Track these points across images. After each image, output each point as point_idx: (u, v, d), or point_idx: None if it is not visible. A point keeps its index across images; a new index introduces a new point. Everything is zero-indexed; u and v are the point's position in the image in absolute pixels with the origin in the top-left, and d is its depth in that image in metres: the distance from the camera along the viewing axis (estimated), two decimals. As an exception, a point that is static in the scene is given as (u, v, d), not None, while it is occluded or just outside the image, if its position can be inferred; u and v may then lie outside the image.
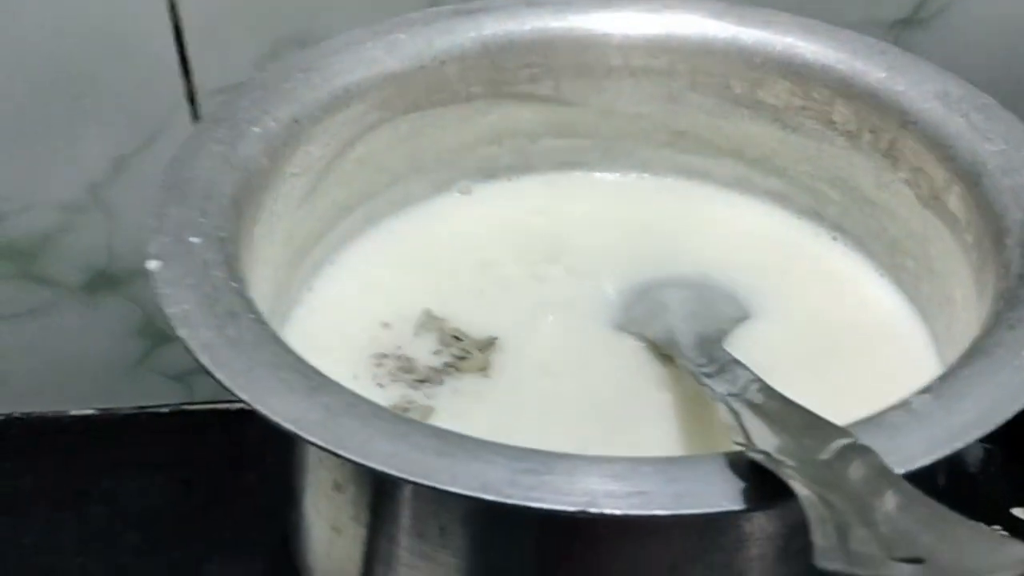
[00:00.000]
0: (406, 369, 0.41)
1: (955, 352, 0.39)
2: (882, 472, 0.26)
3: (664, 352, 0.41)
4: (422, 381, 0.40)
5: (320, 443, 0.29)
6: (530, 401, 0.40)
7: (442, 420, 0.39)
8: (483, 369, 0.41)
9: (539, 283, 0.46)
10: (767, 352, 0.42)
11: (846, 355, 0.43)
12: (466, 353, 0.42)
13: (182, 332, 0.32)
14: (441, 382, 0.40)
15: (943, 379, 0.32)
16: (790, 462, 0.27)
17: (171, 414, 0.61)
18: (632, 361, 0.42)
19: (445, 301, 0.44)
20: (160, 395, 0.61)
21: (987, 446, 0.32)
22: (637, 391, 0.40)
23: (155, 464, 0.59)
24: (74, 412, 0.62)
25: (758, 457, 0.28)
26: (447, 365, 0.41)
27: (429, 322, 0.43)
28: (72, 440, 0.61)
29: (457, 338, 0.42)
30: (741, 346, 0.42)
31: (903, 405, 0.31)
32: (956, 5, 0.53)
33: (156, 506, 0.57)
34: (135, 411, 0.62)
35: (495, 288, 0.45)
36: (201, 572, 0.54)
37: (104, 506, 0.57)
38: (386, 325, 0.43)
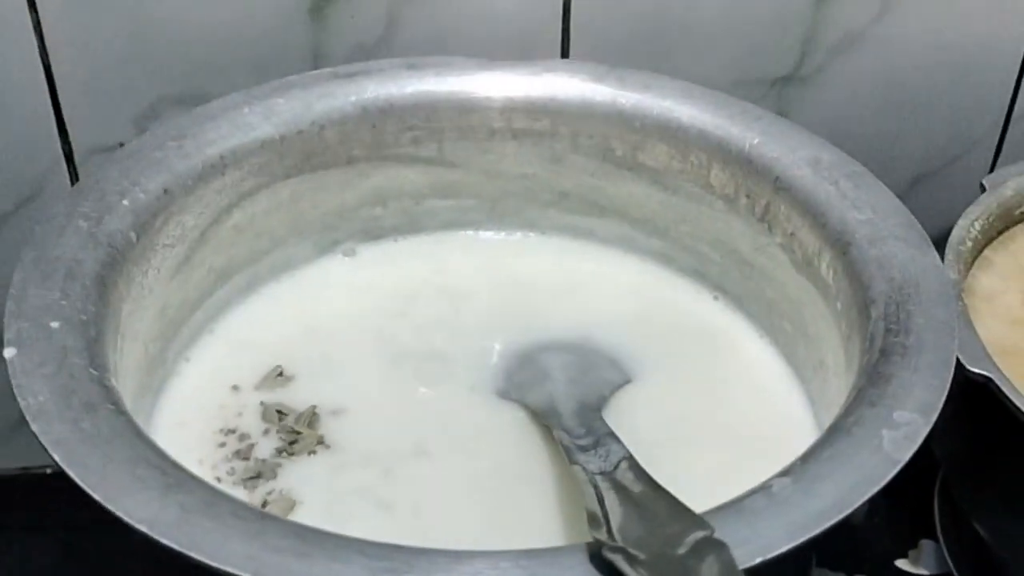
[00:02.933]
0: (244, 455, 0.40)
1: (829, 417, 0.40)
2: (732, 572, 0.26)
3: (544, 422, 0.41)
4: (254, 478, 0.39)
5: (174, 546, 0.28)
6: (406, 482, 0.39)
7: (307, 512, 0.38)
8: (320, 443, 0.40)
9: (420, 348, 0.46)
10: (647, 417, 0.43)
11: (725, 418, 0.43)
12: (295, 435, 0.41)
13: (35, 426, 0.31)
14: (274, 475, 0.39)
15: (804, 460, 0.33)
16: (644, 557, 0.27)
17: (54, 475, 0.59)
18: (512, 434, 0.42)
19: (316, 367, 0.44)
20: (42, 456, 0.59)
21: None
22: (516, 469, 0.40)
23: (38, 527, 0.58)
24: (-48, 475, 0.60)
25: (612, 557, 0.28)
26: (278, 451, 0.40)
27: (275, 383, 0.43)
28: (-48, 503, 0.59)
29: (281, 412, 0.41)
30: (622, 411, 0.42)
31: (763, 489, 0.31)
32: (834, 63, 0.54)
33: (39, 571, 0.56)
34: (17, 472, 0.60)
35: (375, 353, 0.45)
36: (85, 640, 0.53)
37: (-15, 571, 0.56)
38: (236, 388, 0.43)
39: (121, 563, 0.55)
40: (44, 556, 0.56)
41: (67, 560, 0.56)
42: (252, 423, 0.41)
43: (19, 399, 0.32)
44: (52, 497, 0.58)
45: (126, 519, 0.29)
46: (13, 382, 0.33)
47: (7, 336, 0.34)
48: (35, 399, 0.32)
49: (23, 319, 0.35)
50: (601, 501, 0.32)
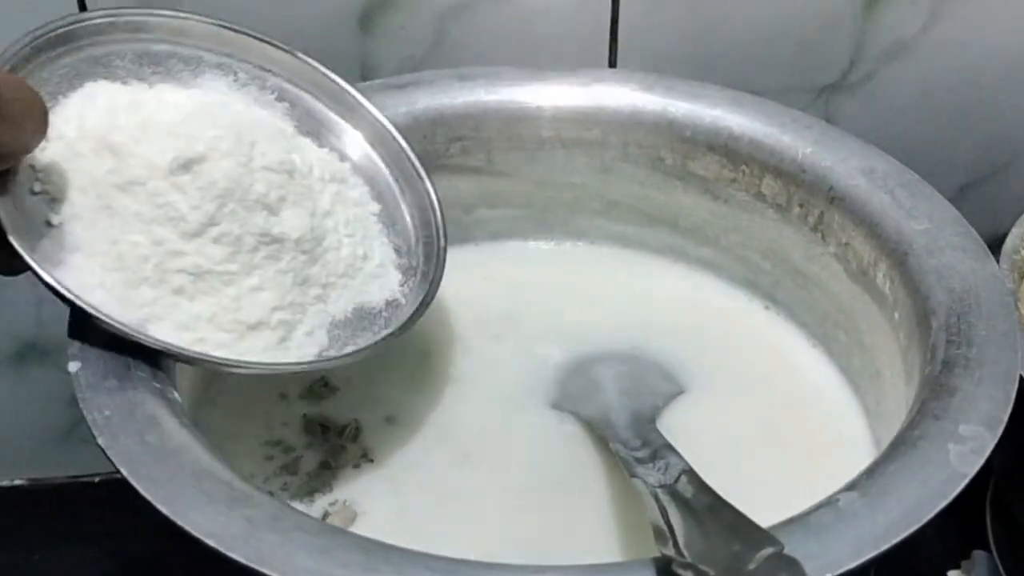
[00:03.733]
0: (292, 469, 0.40)
1: (886, 427, 0.40)
2: (806, 590, 0.26)
3: (599, 434, 0.41)
4: (310, 493, 0.39)
5: (242, 560, 0.28)
6: (460, 494, 0.39)
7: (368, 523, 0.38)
8: (364, 457, 0.40)
9: (472, 357, 0.45)
10: (701, 428, 0.42)
11: (780, 429, 0.43)
12: (341, 449, 0.41)
13: (101, 440, 0.31)
14: (330, 488, 0.39)
15: (869, 474, 0.32)
16: (714, 572, 0.27)
17: (103, 483, 0.60)
18: (566, 445, 0.42)
19: (362, 377, 0.43)
20: (91, 464, 0.59)
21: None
22: (571, 481, 0.40)
23: (87, 535, 0.58)
24: (4, 483, 0.60)
25: (683, 573, 0.28)
26: (323, 464, 0.40)
27: (321, 392, 0.43)
28: (1, 512, 0.60)
29: (324, 426, 0.42)
30: (676, 422, 0.42)
31: (830, 503, 0.31)
32: (882, 71, 0.54)
33: (87, 578, 0.56)
34: (67, 481, 0.61)
35: (424, 362, 0.45)
36: (135, 648, 0.53)
37: (36, 579, 0.56)
38: (283, 397, 0.43)
39: (167, 571, 0.56)
40: (92, 564, 0.57)
41: (115, 568, 0.56)
42: (297, 435, 0.42)
43: (85, 413, 0.32)
44: (100, 505, 0.60)
45: (194, 533, 0.29)
46: (78, 396, 0.33)
47: (70, 350, 0.34)
48: (100, 413, 0.32)
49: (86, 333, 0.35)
50: (665, 515, 0.32)
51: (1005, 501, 0.50)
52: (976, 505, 0.52)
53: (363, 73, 0.50)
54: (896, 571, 0.51)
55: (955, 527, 0.53)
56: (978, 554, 0.53)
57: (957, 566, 0.52)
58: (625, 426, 0.41)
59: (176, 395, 0.34)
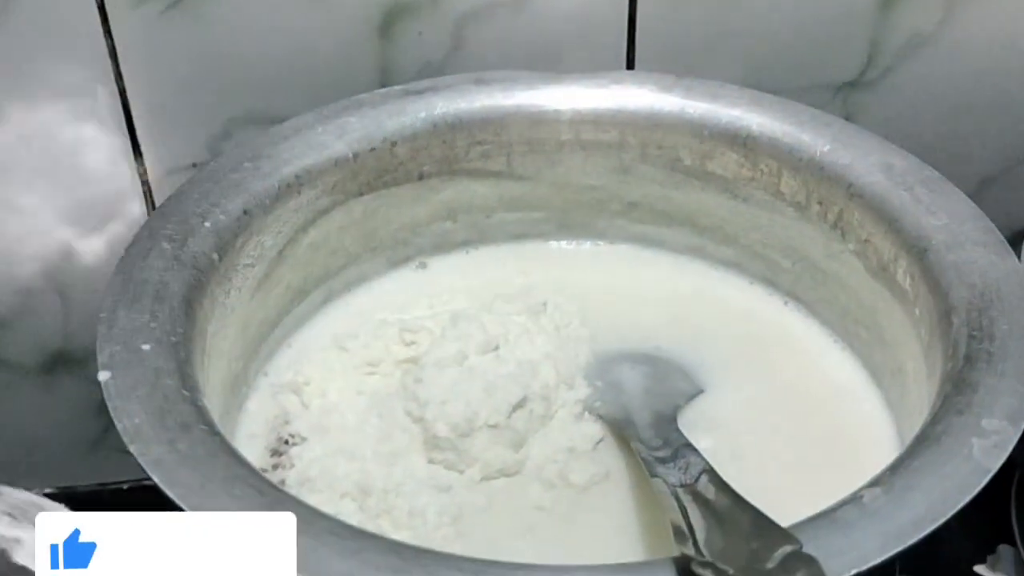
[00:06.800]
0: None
1: (909, 423, 0.40)
2: (823, 586, 0.27)
3: (621, 433, 0.41)
4: None
5: (274, 564, 0.29)
6: (477, 491, 0.40)
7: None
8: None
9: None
10: (722, 427, 0.43)
11: (802, 426, 0.43)
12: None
13: (133, 448, 0.32)
14: None
15: (893, 470, 0.32)
16: (732, 571, 0.27)
17: (131, 490, 0.61)
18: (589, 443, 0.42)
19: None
20: (120, 471, 0.60)
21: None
22: (594, 479, 0.40)
23: (117, 541, 0.58)
24: (35, 491, 0.61)
25: (702, 572, 0.28)
26: None
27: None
28: (33, 519, 0.60)
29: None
30: (697, 421, 0.42)
31: (855, 500, 0.31)
32: (899, 67, 0.54)
33: (119, 584, 0.56)
34: (96, 488, 0.61)
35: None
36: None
37: (67, 586, 0.57)
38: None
39: None
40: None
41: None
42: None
43: (116, 421, 0.33)
44: (130, 511, 0.60)
45: (226, 538, 0.29)
46: (109, 404, 0.33)
47: (100, 359, 0.35)
48: (131, 421, 0.33)
49: (115, 342, 0.35)
50: (685, 514, 0.32)
51: (1029, 495, 0.50)
52: (1001, 499, 0.52)
53: (382, 79, 0.51)
54: (922, 566, 0.51)
55: (980, 521, 0.53)
56: (1004, 548, 0.53)
57: (983, 560, 0.52)
58: (646, 426, 0.41)
59: (204, 402, 0.35)
